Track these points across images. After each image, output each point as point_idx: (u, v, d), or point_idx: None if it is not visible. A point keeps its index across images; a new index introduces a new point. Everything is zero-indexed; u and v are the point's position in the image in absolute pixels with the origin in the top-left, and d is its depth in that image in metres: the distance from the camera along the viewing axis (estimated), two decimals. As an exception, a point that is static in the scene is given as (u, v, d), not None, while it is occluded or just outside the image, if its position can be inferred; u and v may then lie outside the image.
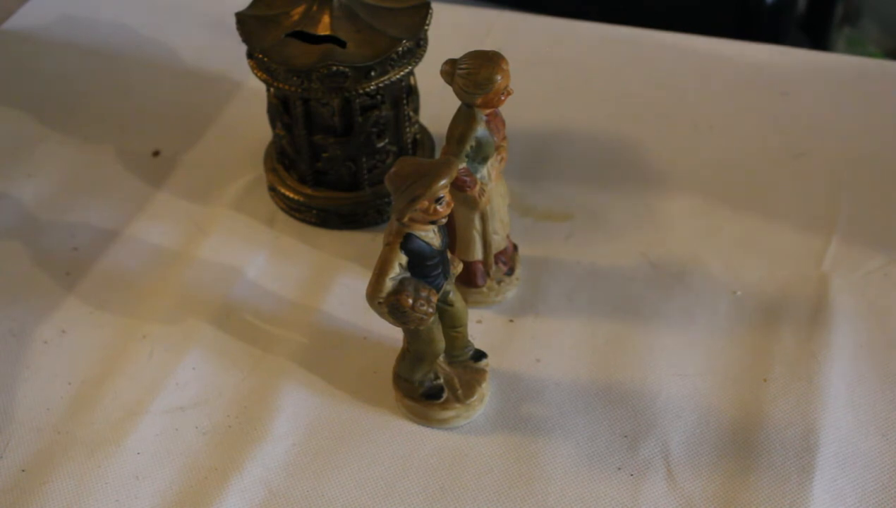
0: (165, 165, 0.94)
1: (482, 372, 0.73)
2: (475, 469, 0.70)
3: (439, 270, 0.66)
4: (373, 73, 0.78)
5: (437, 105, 0.93)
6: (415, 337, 0.69)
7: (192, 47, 1.08)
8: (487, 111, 0.72)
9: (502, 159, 0.76)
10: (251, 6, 0.83)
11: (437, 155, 0.84)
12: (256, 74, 0.81)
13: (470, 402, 0.72)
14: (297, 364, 0.77)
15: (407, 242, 0.64)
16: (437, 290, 0.67)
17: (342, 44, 0.79)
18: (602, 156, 0.93)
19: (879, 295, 0.80)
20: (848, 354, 0.75)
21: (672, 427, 0.72)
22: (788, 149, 0.93)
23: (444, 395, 0.72)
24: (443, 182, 0.62)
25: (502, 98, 0.70)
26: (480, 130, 0.72)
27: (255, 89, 1.00)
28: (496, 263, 0.79)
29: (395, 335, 0.74)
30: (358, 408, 0.74)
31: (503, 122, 0.74)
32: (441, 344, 0.70)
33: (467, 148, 0.72)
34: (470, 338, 0.73)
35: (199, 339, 0.78)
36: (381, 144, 0.84)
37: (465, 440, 0.72)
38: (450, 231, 0.76)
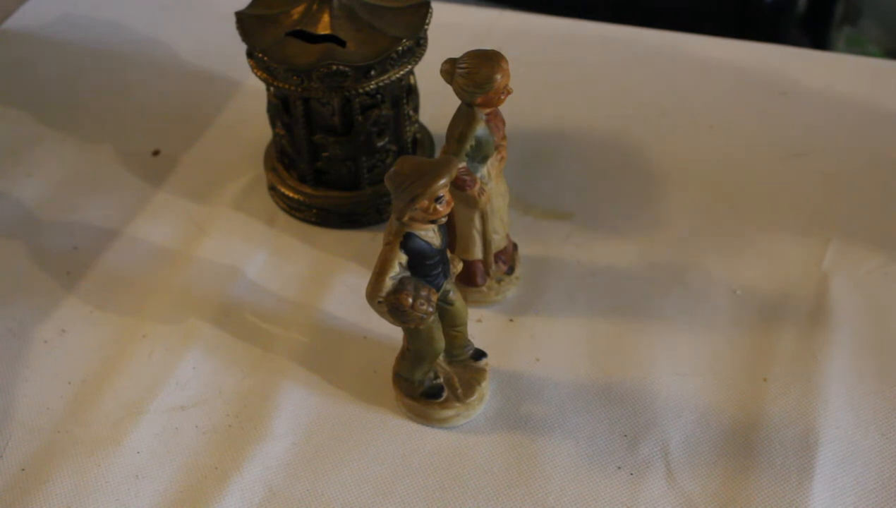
0: (165, 165, 0.94)
1: (482, 371, 0.73)
2: (475, 469, 0.70)
3: (439, 269, 0.66)
4: (373, 73, 0.78)
5: (437, 105, 0.93)
6: (415, 337, 0.69)
7: (192, 47, 1.08)
8: (487, 110, 0.72)
9: (502, 158, 0.76)
10: (251, 5, 0.83)
11: (437, 154, 0.84)
12: (256, 74, 0.81)
13: (470, 401, 0.72)
14: (297, 363, 0.77)
15: (407, 241, 0.64)
16: (437, 289, 0.67)
17: (342, 43, 0.79)
18: (602, 155, 0.93)
19: (879, 295, 0.80)
20: (848, 354, 0.75)
21: (672, 426, 0.72)
22: (788, 148, 0.93)
23: (444, 394, 0.72)
24: (442, 181, 0.62)
25: (502, 97, 0.70)
26: (480, 129, 0.72)
27: (255, 89, 1.00)
28: (496, 262, 0.79)
29: (395, 334, 0.74)
30: (358, 408, 0.74)
31: (503, 122, 0.74)
32: (441, 343, 0.70)
33: (467, 147, 0.72)
34: (470, 338, 0.73)
35: (200, 339, 0.78)
36: (381, 144, 0.84)
37: (465, 439, 0.72)
38: (450, 230, 0.76)
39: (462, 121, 0.72)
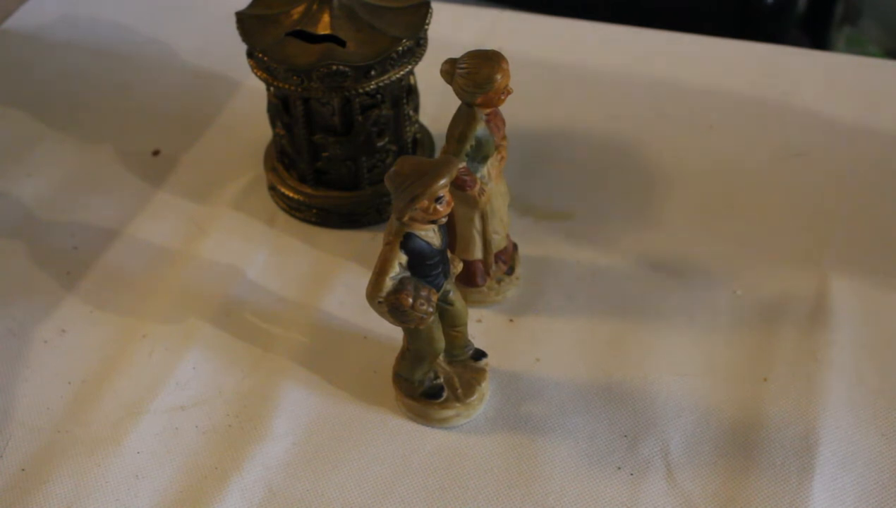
0: (165, 164, 0.94)
1: (482, 371, 0.73)
2: (475, 469, 0.70)
3: (439, 269, 0.66)
4: (373, 73, 0.78)
5: (437, 105, 0.93)
6: (415, 337, 0.69)
7: (192, 47, 1.08)
8: (487, 110, 0.72)
9: (502, 158, 0.76)
10: (251, 5, 0.83)
11: (437, 154, 0.84)
12: (256, 74, 0.81)
13: (470, 401, 0.72)
14: (297, 363, 0.77)
15: (407, 241, 0.64)
16: (437, 289, 0.67)
17: (342, 43, 0.79)
18: (602, 155, 0.93)
19: (879, 295, 0.79)
20: (848, 354, 0.75)
21: (672, 426, 0.72)
22: (788, 148, 0.93)
23: (444, 394, 0.72)
24: (443, 181, 0.62)
25: (502, 97, 0.70)
26: (480, 129, 0.72)
27: (255, 89, 1.00)
28: (496, 262, 0.79)
29: (395, 334, 0.74)
30: (358, 408, 0.74)
31: (503, 122, 0.74)
32: (441, 343, 0.70)
33: (467, 147, 0.72)
34: (470, 338, 0.73)
35: (200, 338, 0.78)
36: (381, 144, 0.84)
37: (465, 439, 0.72)
38: (450, 230, 0.76)
39: (462, 121, 0.72)
